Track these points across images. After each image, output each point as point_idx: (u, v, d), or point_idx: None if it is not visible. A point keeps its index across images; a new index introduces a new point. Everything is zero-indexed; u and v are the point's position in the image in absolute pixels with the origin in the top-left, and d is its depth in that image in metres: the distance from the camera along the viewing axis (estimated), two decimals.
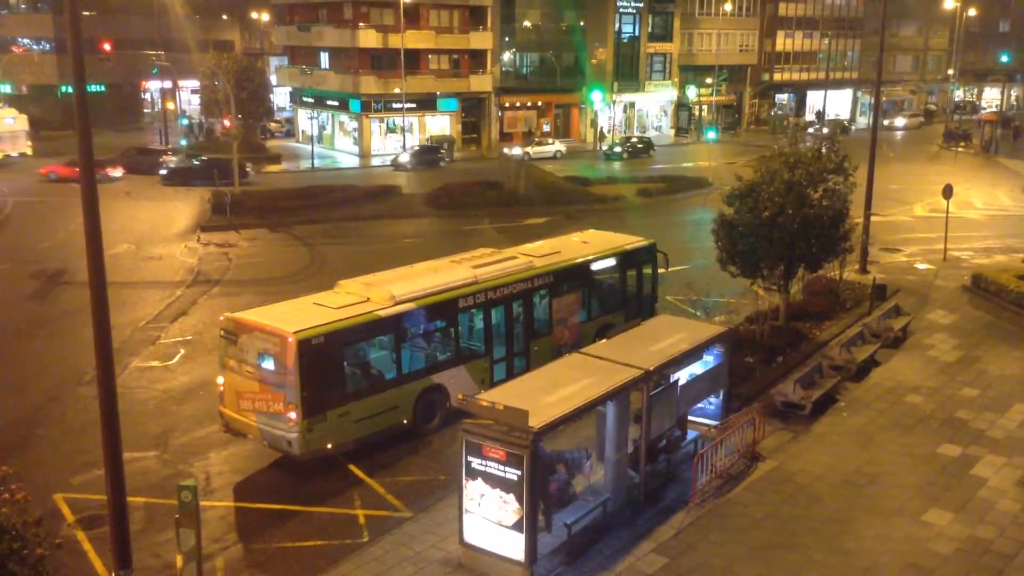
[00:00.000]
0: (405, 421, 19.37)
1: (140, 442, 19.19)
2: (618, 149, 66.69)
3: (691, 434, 18.27)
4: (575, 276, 23.14)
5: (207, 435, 19.86)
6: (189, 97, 79.81)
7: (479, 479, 14.24)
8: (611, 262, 24.17)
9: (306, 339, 17.34)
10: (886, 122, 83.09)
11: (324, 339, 17.68)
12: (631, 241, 25.35)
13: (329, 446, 17.97)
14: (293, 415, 17.31)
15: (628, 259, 24.65)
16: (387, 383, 19.11)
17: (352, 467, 18.35)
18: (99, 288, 12.15)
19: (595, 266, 23.79)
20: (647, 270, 25.24)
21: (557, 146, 67.05)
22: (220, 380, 18.77)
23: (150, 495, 16.97)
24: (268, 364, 17.63)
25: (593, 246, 24.51)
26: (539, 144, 66.62)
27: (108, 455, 12.58)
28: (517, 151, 63.59)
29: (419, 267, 21.80)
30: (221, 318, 19.00)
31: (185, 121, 69.13)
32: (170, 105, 65.07)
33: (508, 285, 21.30)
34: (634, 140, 69.58)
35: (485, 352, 21.14)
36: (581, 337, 22.88)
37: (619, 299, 24.74)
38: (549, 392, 15.28)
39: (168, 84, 65.39)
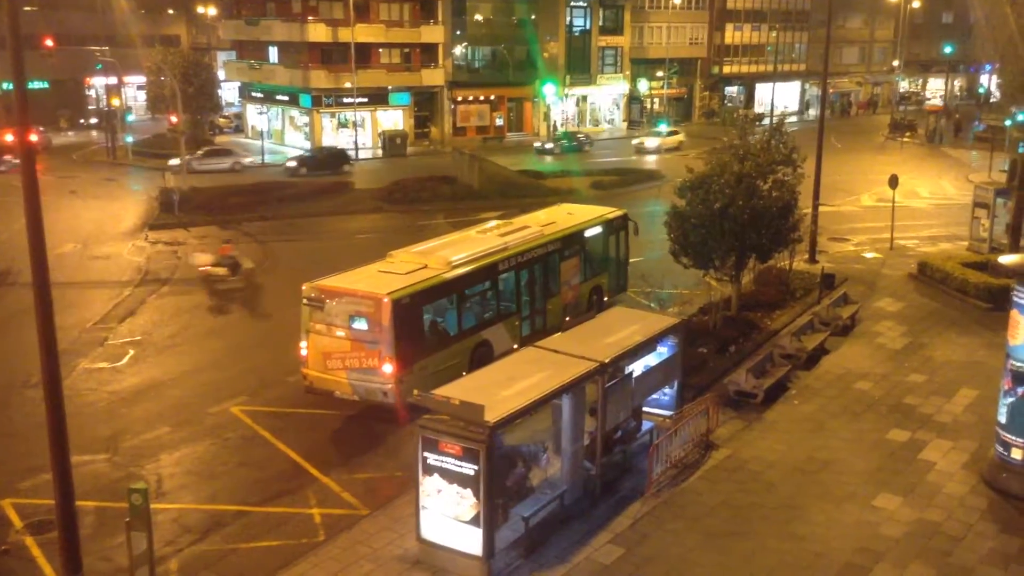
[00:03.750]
0: (464, 374, 20.34)
1: (89, 445, 18.83)
2: (293, 164, 55.21)
3: (646, 425, 18.40)
4: (575, 242, 25.52)
5: (158, 437, 19.56)
6: (135, 93, 78.40)
7: (435, 475, 14.20)
8: (598, 229, 26.61)
9: (398, 299, 19.47)
10: (634, 142, 67.73)
11: (409, 299, 19.84)
12: (608, 211, 27.73)
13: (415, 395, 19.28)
14: (388, 368, 19.35)
15: (610, 226, 27.07)
16: (452, 339, 21.32)
17: (307, 465, 18.20)
18: (43, 289, 11.92)
19: (588, 233, 26.18)
20: (623, 237, 27.66)
21: (235, 157, 56.86)
22: (303, 344, 20.27)
23: (100, 499, 16.67)
24: (360, 324, 19.58)
25: (578, 216, 26.80)
26: (206, 156, 55.70)
27: (55, 459, 12.36)
28: (174, 162, 52.16)
29: (450, 238, 24.34)
30: (304, 287, 20.35)
31: (131, 117, 67.96)
32: (115, 101, 63.69)
33: (530, 251, 23.73)
34: (323, 152, 58.36)
35: (516, 310, 23.48)
36: (579, 297, 25.88)
37: (604, 262, 27.11)
38: (505, 386, 15.29)
39: (113, 80, 64.05)
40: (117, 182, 52.19)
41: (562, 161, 60.23)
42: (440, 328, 21.19)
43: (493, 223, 25.62)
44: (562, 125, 74.82)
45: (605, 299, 27.29)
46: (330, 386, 20.13)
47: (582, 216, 26.82)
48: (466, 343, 21.61)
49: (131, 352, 24.76)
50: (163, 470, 18.17)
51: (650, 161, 60.37)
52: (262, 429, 19.87)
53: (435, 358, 20.53)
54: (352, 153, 60.09)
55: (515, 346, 21.77)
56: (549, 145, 65.91)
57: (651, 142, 66.02)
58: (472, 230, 24.88)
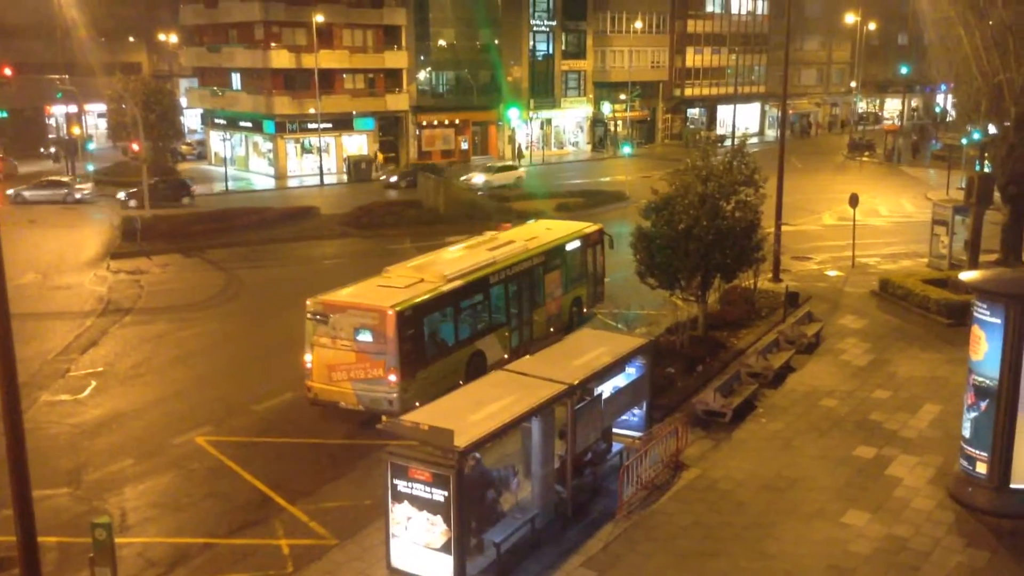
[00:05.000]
0: (461, 383, 21.11)
1: (51, 479, 18.44)
2: (122, 195, 51.55)
3: (616, 446, 18.42)
4: (557, 255, 26.64)
5: (121, 469, 19.23)
6: (96, 121, 77.66)
7: (405, 502, 14.10)
8: (577, 243, 27.75)
9: (401, 311, 20.23)
10: (462, 178, 58.78)
11: (412, 311, 20.61)
12: (586, 225, 28.95)
13: (417, 404, 19.47)
14: (393, 378, 20.09)
15: (587, 240, 28.22)
16: (449, 349, 22.11)
17: (274, 495, 17.97)
18: (3, 320, 11.71)
19: (568, 247, 27.33)
20: (599, 250, 28.81)
21: (67, 189, 53.26)
22: (308, 357, 20.95)
23: (63, 534, 16.32)
24: (365, 336, 20.28)
25: (558, 231, 27.84)
26: (37, 187, 52.53)
27: (16, 494, 12.09)
28: (121, 195, 51.44)
29: (441, 254, 25.14)
30: (308, 302, 20.98)
31: (92, 146, 67.16)
32: (75, 130, 62.96)
33: (517, 264, 24.67)
34: (160, 183, 52.78)
35: (506, 321, 24.32)
36: (562, 308, 26.90)
37: (582, 274, 28.13)
38: (474, 410, 15.24)
39: (73, 108, 63.38)
40: (77, 211, 51.54)
41: (410, 194, 54.26)
42: (439, 339, 21.92)
43: (476, 239, 26.53)
44: (527, 148, 75.21)
45: (585, 310, 28.23)
46: (335, 397, 20.75)
47: (562, 231, 27.87)
48: (462, 353, 22.47)
49: (93, 383, 24.37)
50: (127, 503, 17.84)
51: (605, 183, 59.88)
52: (228, 459, 19.60)
53: (435, 367, 21.33)
54: (320, 178, 59.77)
55: (505, 356, 22.93)
56: (394, 179, 60.77)
57: (478, 179, 58.54)
58: (461, 246, 25.75)
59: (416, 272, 22.58)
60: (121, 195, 52.31)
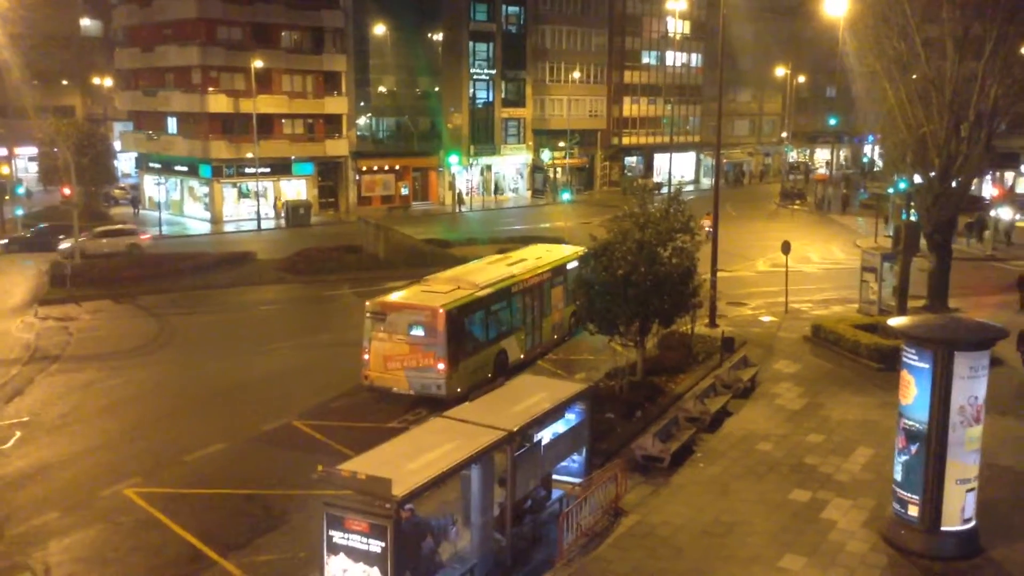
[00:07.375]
0: (489, 375, 25.12)
1: None
2: None
3: (556, 493, 18.31)
4: (560, 272, 30.79)
5: (46, 523, 18.53)
6: (27, 164, 76.03)
7: (341, 554, 13.79)
8: (575, 263, 31.18)
9: (449, 310, 24.20)
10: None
11: (457, 310, 24.55)
12: (580, 248, 31.84)
13: (459, 390, 23.63)
14: (441, 366, 23.97)
15: (583, 261, 30.24)
16: (483, 345, 26.06)
17: (205, 548, 17.47)
18: None
19: (569, 266, 31.19)
20: None
21: None
22: (366, 350, 24.69)
23: None
24: (418, 331, 24.17)
25: (556, 253, 32.31)
26: None
27: None
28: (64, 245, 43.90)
29: (466, 268, 29.73)
30: (367, 304, 25.07)
31: (21, 190, 65.55)
32: (4, 169, 61.47)
33: (531, 278, 28.88)
34: None
35: (522, 326, 28.25)
36: (563, 319, 30.93)
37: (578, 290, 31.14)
38: (412, 458, 15.03)
39: (3, 151, 61.96)
40: (7, 256, 50.17)
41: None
42: (475, 336, 25.72)
43: (492, 257, 30.85)
44: (467, 194, 75.56)
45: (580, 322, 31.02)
46: (389, 383, 24.58)
47: (559, 253, 32.28)
48: (491, 350, 26.45)
49: (18, 434, 23.53)
50: (51, 558, 17.18)
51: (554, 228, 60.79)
52: (157, 511, 19.03)
53: (472, 360, 25.27)
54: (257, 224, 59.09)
55: (522, 356, 27.78)
56: (4, 240, 52.02)
57: (65, 245, 47.50)
58: (482, 261, 30.61)
59: (451, 282, 26.56)
60: None
